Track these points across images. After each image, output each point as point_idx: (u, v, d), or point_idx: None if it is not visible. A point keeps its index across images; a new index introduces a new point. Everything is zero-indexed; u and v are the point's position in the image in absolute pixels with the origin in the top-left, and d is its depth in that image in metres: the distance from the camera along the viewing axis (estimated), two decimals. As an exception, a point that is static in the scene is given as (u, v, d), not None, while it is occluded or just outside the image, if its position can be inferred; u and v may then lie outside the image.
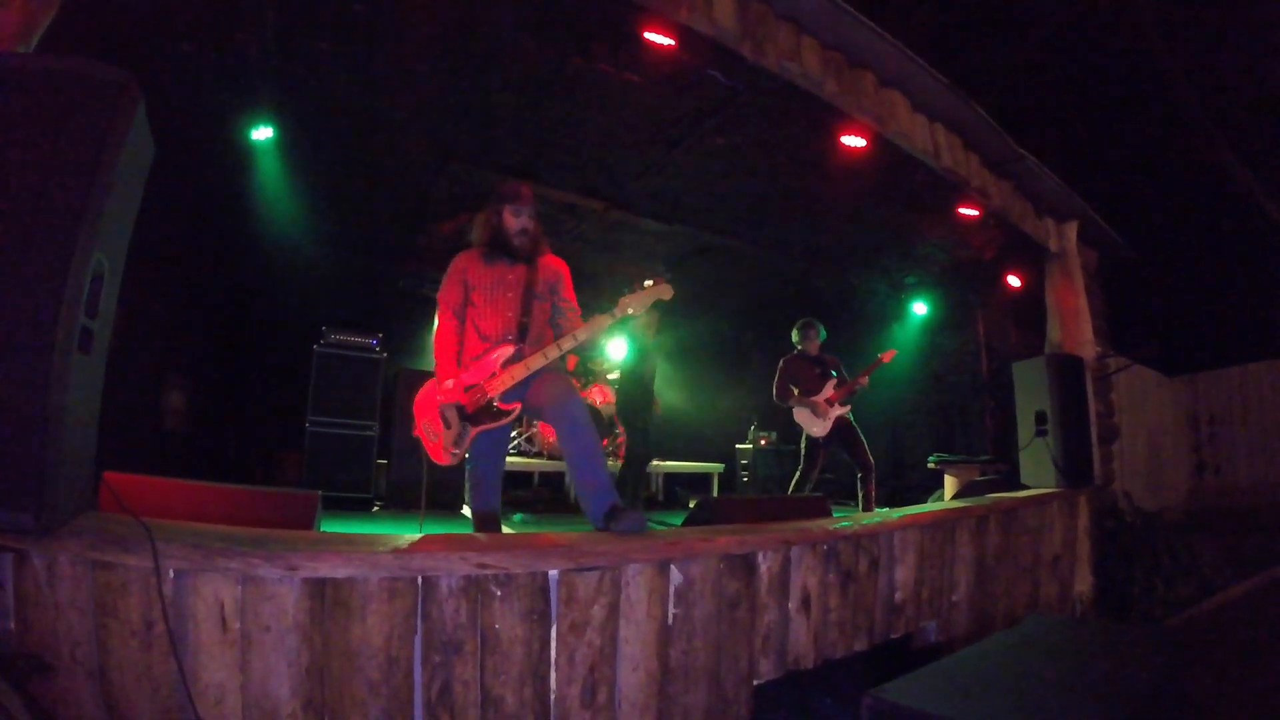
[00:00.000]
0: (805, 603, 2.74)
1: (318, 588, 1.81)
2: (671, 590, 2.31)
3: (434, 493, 5.29)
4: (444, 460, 2.85)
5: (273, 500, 2.47)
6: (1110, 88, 8.82)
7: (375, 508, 5.62)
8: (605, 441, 6.57)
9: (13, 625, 1.68)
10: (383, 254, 7.33)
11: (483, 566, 1.92)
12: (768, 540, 2.59)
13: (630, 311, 2.84)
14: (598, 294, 3.67)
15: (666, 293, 2.93)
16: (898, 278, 7.85)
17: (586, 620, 2.10)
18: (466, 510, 5.41)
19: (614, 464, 5.81)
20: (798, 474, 5.76)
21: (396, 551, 1.87)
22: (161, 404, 5.95)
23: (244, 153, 5.07)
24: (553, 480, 6.64)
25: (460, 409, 2.82)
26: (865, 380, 5.68)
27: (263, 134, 4.84)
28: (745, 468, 8.45)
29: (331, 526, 2.86)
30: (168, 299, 5.67)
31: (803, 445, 5.79)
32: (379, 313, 6.48)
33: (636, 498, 5.66)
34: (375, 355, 5.79)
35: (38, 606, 1.69)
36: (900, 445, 8.20)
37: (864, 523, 3.09)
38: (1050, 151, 5.51)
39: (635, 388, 5.82)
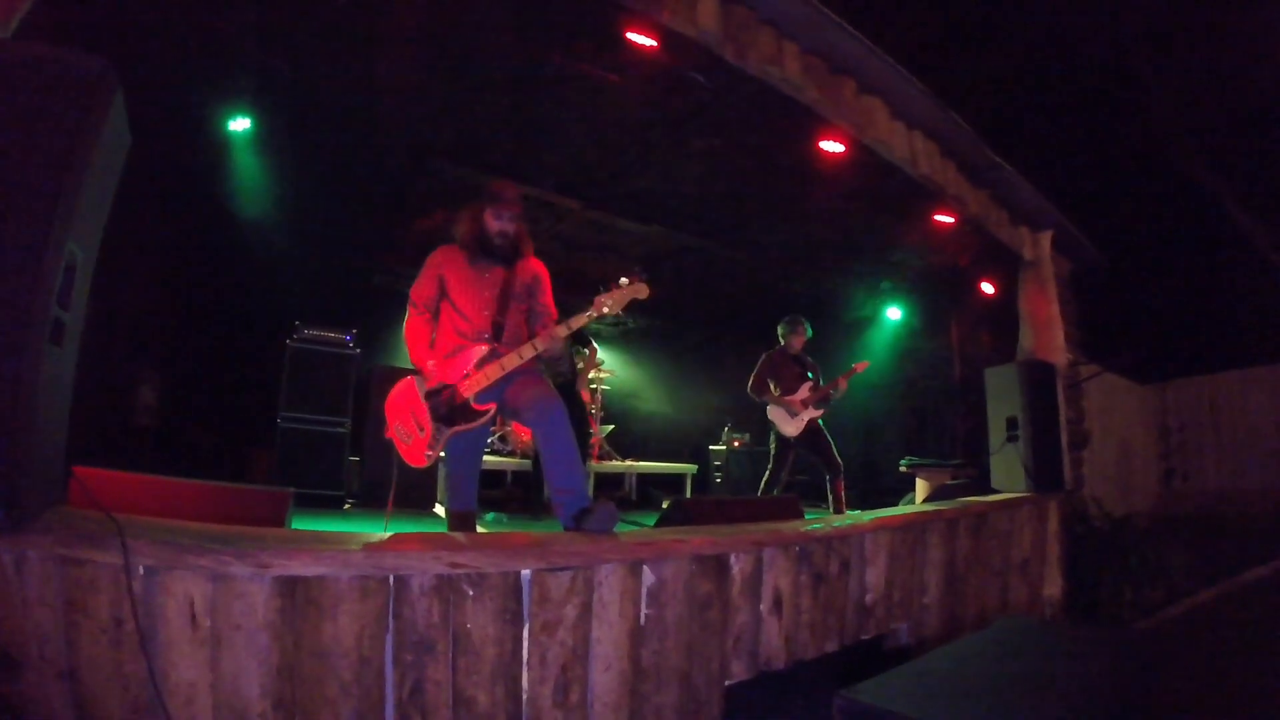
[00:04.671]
0: (777, 604, 2.77)
1: (289, 586, 1.79)
2: (644, 591, 2.32)
3: (404, 492, 5.26)
4: (420, 462, 2.84)
5: (244, 497, 2.46)
6: (1086, 98, 8.94)
7: (347, 505, 5.58)
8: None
9: None
10: (359, 249, 7.28)
11: (455, 566, 1.92)
12: (740, 541, 2.61)
13: (606, 310, 2.84)
14: (573, 293, 3.67)
15: (642, 292, 2.92)
16: (873, 282, 7.92)
17: (559, 620, 2.11)
18: (438, 509, 5.38)
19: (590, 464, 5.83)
20: (767, 474, 5.81)
21: (368, 550, 1.86)
22: (132, 398, 5.88)
23: (220, 143, 5.01)
24: (526, 479, 6.62)
25: (435, 409, 2.81)
26: (843, 385, 5.73)
27: (240, 125, 4.79)
28: (718, 469, 8.48)
29: (303, 524, 2.85)
30: (140, 291, 5.59)
31: (772, 444, 5.83)
32: (353, 308, 6.41)
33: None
34: (348, 351, 5.75)
35: (5, 603, 1.66)
36: (872, 448, 8.29)
37: (836, 524, 3.12)
38: (1026, 160, 5.58)
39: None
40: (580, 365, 5.78)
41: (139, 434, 5.88)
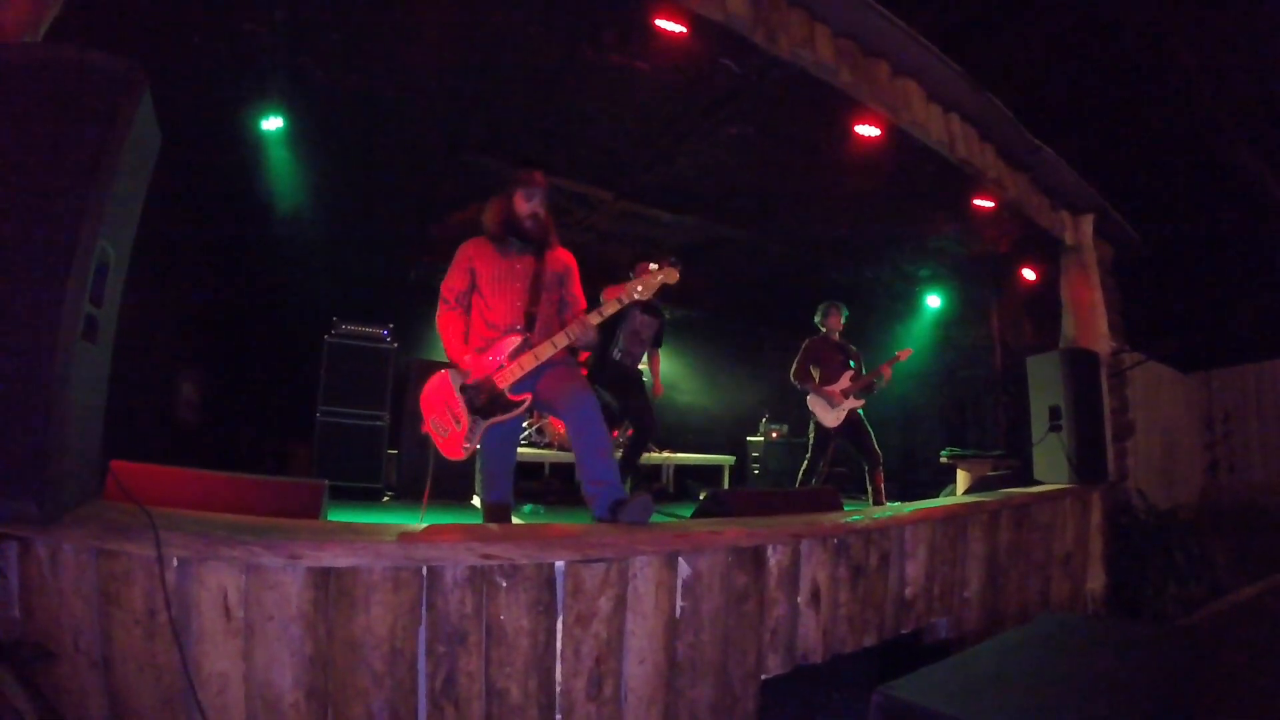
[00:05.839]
0: (815, 597, 2.71)
1: (321, 577, 1.79)
2: (679, 583, 2.28)
3: (442, 482, 5.29)
4: (458, 455, 2.81)
5: (279, 489, 2.46)
6: (1127, 81, 8.69)
7: (386, 498, 5.62)
8: (615, 433, 6.53)
9: (17, 613, 1.69)
10: (394, 244, 7.33)
11: (488, 557, 1.90)
12: (777, 533, 2.56)
13: (637, 295, 2.82)
14: (606, 284, 3.63)
15: (672, 277, 2.90)
16: (911, 270, 7.78)
17: (593, 612, 2.08)
18: (476, 500, 5.39)
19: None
20: (805, 463, 5.73)
21: (401, 541, 1.85)
22: (173, 394, 5.98)
23: (255, 143, 5.07)
24: (563, 471, 6.62)
25: (471, 401, 2.79)
26: (887, 374, 5.63)
27: (273, 124, 4.84)
28: (756, 460, 8.40)
29: (341, 516, 2.84)
30: (179, 289, 5.70)
31: (811, 434, 5.75)
32: (389, 303, 6.45)
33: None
34: (386, 346, 5.78)
35: (41, 594, 1.69)
36: (912, 439, 8.15)
37: (875, 516, 3.05)
38: (1066, 144, 5.42)
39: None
40: (646, 369, 5.62)
41: (181, 429, 5.99)
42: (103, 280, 1.80)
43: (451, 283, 2.98)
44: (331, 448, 5.44)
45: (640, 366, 5.52)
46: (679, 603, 2.28)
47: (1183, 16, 7.59)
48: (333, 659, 1.80)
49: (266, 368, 6.68)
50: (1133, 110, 8.82)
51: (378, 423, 5.62)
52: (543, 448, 6.65)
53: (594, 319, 2.80)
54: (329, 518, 2.57)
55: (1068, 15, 8.05)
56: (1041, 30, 7.92)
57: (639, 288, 2.81)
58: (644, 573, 2.19)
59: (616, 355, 5.24)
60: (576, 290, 3.09)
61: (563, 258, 3.10)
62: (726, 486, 7.40)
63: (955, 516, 3.53)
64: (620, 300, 2.82)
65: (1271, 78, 7.79)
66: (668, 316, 5.60)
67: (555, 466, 6.71)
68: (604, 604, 2.09)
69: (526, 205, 2.96)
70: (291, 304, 6.67)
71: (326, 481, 2.60)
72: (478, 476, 5.37)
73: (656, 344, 5.60)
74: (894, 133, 4.26)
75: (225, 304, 6.55)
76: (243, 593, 1.76)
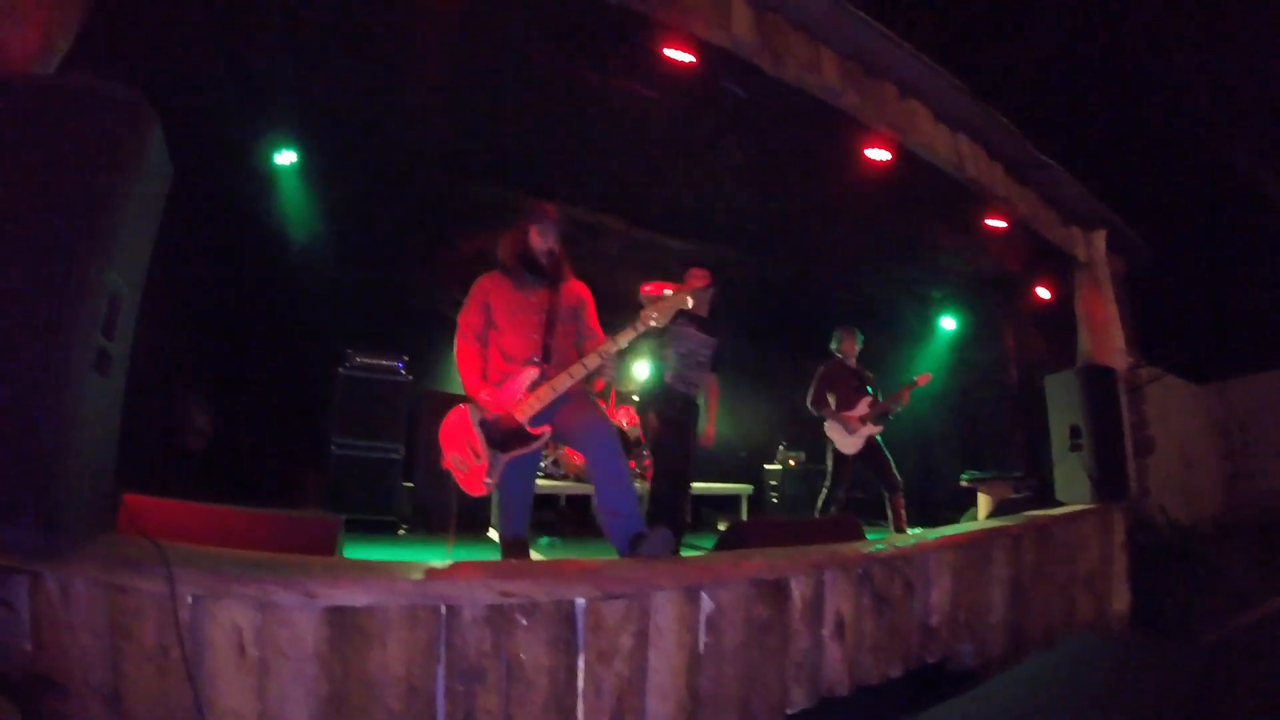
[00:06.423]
0: (839, 628, 2.65)
1: (337, 615, 1.76)
2: (701, 617, 2.23)
3: (458, 515, 5.22)
4: (479, 491, 2.78)
5: (293, 525, 2.43)
6: (1128, 92, 8.70)
7: (401, 531, 5.57)
8: (632, 464, 6.45)
9: (28, 646, 1.66)
10: (404, 273, 7.33)
11: (507, 594, 1.86)
12: (800, 564, 2.51)
13: (653, 323, 2.77)
14: (617, 312, 3.57)
15: (687, 302, 2.87)
16: (923, 291, 7.73)
17: (614, 649, 2.03)
18: (492, 532, 5.33)
19: (641, 485, 5.63)
20: (824, 491, 5.61)
21: (417, 579, 1.82)
22: (183, 422, 5.97)
23: (266, 173, 5.09)
24: (579, 503, 6.54)
25: (490, 435, 2.76)
26: (905, 399, 5.54)
27: (286, 158, 4.87)
28: (774, 488, 8.27)
29: (357, 550, 2.81)
30: (189, 317, 5.69)
31: (829, 461, 5.65)
32: (401, 331, 6.43)
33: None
34: (401, 378, 5.74)
35: (52, 628, 1.67)
36: (928, 460, 8.04)
37: (898, 544, 2.99)
38: (1070, 158, 5.40)
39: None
40: (702, 401, 4.85)
41: (190, 457, 5.96)
42: (115, 313, 1.79)
43: (469, 318, 2.97)
44: (346, 480, 5.37)
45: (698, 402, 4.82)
46: (701, 637, 2.23)
47: (1183, 23, 7.60)
48: (348, 697, 1.76)
49: (276, 395, 6.66)
50: (1136, 119, 8.82)
51: (393, 455, 5.55)
52: (559, 479, 6.58)
53: (610, 347, 2.77)
54: (344, 553, 2.54)
55: (1061, 26, 8.06)
56: (1036, 42, 7.94)
57: (654, 315, 2.76)
58: (665, 608, 2.14)
59: (668, 379, 4.61)
60: (592, 322, 3.08)
61: (577, 290, 3.09)
62: (745, 515, 7.29)
63: (979, 542, 3.47)
64: (636, 329, 2.77)
65: (1275, 82, 7.78)
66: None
67: (571, 498, 6.64)
68: (625, 640, 2.05)
69: (542, 241, 2.97)
70: (302, 333, 6.67)
71: (342, 517, 2.55)
72: (494, 508, 5.32)
73: (713, 367, 4.83)
74: (902, 154, 4.25)
75: (236, 332, 6.56)
76: (257, 630, 1.73)
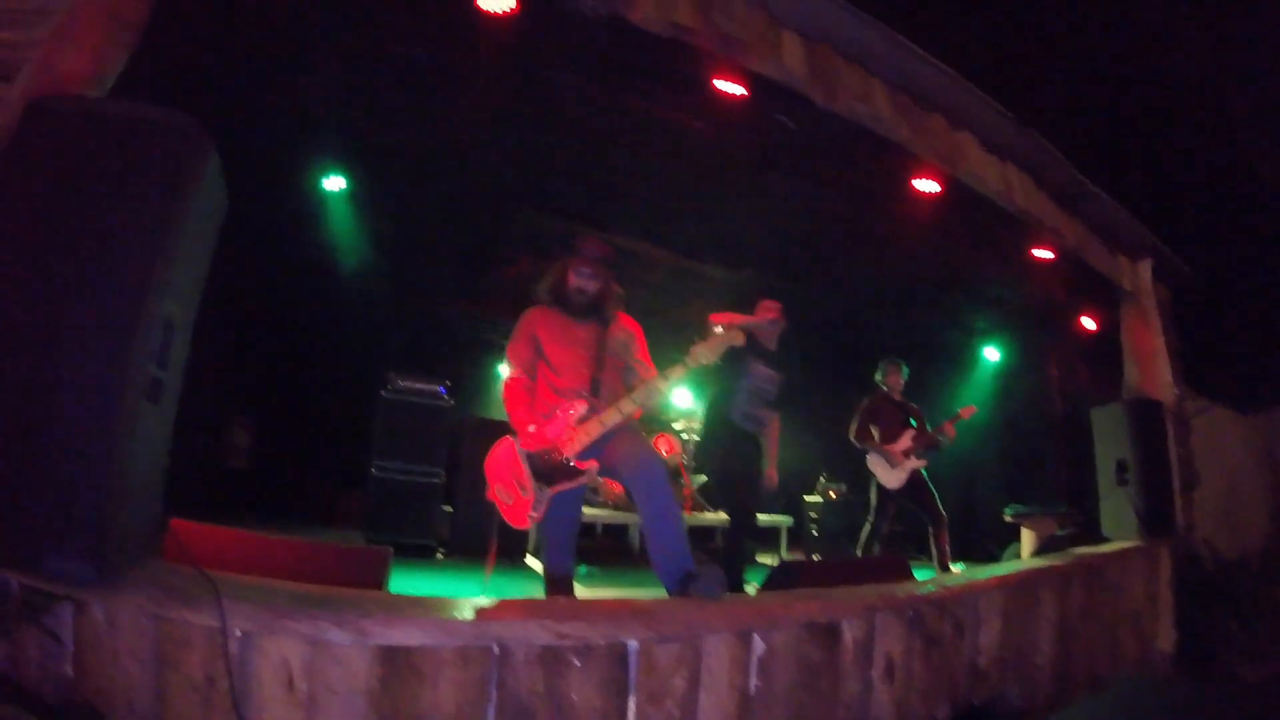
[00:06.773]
0: (889, 670, 2.58)
1: (389, 654, 1.74)
2: (753, 660, 2.19)
3: (498, 541, 5.18)
4: (523, 524, 2.75)
5: (342, 555, 2.42)
6: (1169, 116, 8.55)
7: (439, 555, 5.54)
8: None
9: (70, 672, 1.66)
10: (447, 298, 7.37)
11: (561, 636, 1.83)
12: (852, 606, 2.47)
13: (703, 360, 2.73)
14: (662, 343, 3.50)
15: (739, 338, 2.84)
16: (967, 322, 7.61)
17: (666, 691, 1.99)
18: (529, 560, 5.28)
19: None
20: (868, 527, 5.47)
21: (472, 619, 1.81)
22: (226, 442, 6.02)
23: (314, 198, 5.14)
24: (616, 530, 6.48)
25: (536, 469, 2.73)
26: (951, 432, 5.41)
27: (335, 183, 4.91)
28: (814, 521, 8.05)
29: (397, 576, 2.77)
30: (234, 339, 5.76)
31: (873, 496, 5.52)
32: (443, 355, 6.46)
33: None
34: (443, 403, 5.70)
35: (96, 655, 1.67)
36: (971, 493, 7.86)
37: (948, 584, 2.93)
38: (1116, 186, 5.29)
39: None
40: (764, 440, 4.56)
41: (231, 477, 6.01)
42: (168, 343, 1.78)
43: (517, 351, 2.96)
44: (386, 504, 5.35)
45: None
46: (752, 680, 2.18)
47: (1230, 43, 7.46)
48: (398, 735, 1.73)
49: (317, 417, 6.70)
50: (1178, 146, 8.66)
51: (434, 479, 5.53)
52: (597, 506, 6.53)
53: (660, 384, 2.74)
54: (389, 581, 2.51)
55: (1103, 53, 7.95)
56: (1080, 69, 7.83)
57: (704, 352, 2.72)
58: (718, 650, 2.10)
59: (735, 417, 4.35)
60: (643, 357, 3.03)
61: (626, 324, 3.05)
62: (784, 547, 7.16)
63: (1029, 582, 3.40)
64: (686, 365, 2.73)
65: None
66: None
67: (608, 526, 6.58)
68: (678, 683, 2.01)
69: (575, 280, 2.93)
70: (346, 356, 6.72)
71: (391, 549, 2.52)
72: (533, 535, 5.28)
73: (776, 406, 4.57)
74: (951, 184, 4.19)
75: (279, 354, 6.63)
76: (306, 665, 1.71)
